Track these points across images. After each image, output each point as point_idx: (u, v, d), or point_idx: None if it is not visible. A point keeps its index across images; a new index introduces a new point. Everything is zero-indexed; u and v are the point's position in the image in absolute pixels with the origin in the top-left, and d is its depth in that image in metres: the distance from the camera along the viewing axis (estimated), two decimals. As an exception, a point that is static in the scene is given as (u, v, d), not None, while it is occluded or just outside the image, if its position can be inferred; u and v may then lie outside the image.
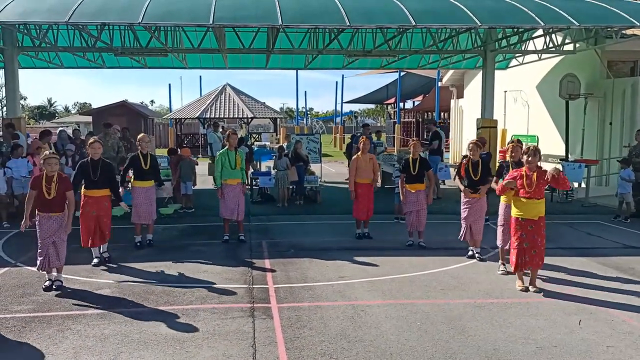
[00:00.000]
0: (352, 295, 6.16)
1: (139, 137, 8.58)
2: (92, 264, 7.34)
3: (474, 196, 7.58)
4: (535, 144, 7.53)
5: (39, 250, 6.30)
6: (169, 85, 44.49)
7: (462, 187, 7.65)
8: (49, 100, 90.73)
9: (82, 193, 7.33)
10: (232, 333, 5.06)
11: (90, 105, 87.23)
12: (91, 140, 7.69)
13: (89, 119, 37.16)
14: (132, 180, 8.45)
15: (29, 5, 9.63)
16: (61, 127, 31.45)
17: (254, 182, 13.78)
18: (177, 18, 9.73)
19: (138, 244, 8.37)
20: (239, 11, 9.91)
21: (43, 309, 5.69)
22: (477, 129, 13.92)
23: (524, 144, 8.24)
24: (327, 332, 5.08)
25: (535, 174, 6.18)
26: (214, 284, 6.58)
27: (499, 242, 7.12)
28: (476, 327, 5.21)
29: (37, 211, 6.31)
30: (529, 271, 6.43)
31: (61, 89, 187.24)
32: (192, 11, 9.76)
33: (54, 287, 6.30)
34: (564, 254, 8.14)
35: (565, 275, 6.98)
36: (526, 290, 6.27)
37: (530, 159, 6.19)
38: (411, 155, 8.51)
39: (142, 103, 72.55)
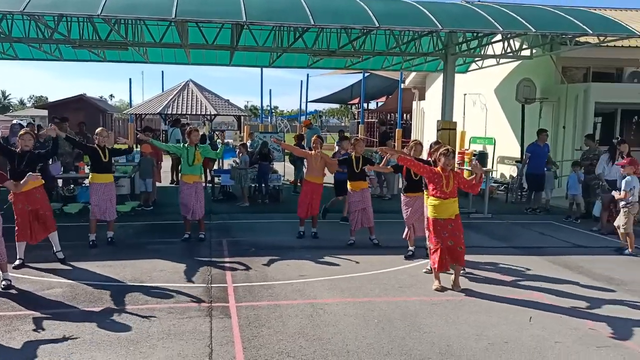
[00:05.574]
0: (312, 294, 6.19)
1: (97, 130, 8.36)
2: (14, 265, 6.79)
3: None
4: (450, 146, 7.36)
5: None
6: (130, 79, 42.85)
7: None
8: (3, 93, 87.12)
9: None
10: (189, 333, 5.00)
11: (47, 98, 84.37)
12: (22, 131, 7.32)
13: (45, 112, 36.03)
14: (90, 175, 8.22)
15: (-19, -7, 9.25)
16: (15, 120, 30.31)
17: (215, 180, 13.65)
18: (138, 11, 9.53)
19: (92, 242, 8.11)
20: (202, 6, 9.78)
21: (-10, 309, 5.49)
22: (437, 130, 14.16)
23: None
24: (286, 331, 5.08)
25: (451, 174, 6.34)
26: (172, 283, 6.48)
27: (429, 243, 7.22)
28: (431, 324, 5.32)
29: None
30: (453, 270, 6.56)
31: (16, 81, 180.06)
32: (154, 4, 9.58)
33: (1, 286, 6.07)
34: (517, 252, 8.40)
35: (517, 274, 7.21)
36: (442, 290, 6.36)
37: (445, 160, 6.30)
38: (354, 153, 8.48)
39: (101, 97, 70.62)
